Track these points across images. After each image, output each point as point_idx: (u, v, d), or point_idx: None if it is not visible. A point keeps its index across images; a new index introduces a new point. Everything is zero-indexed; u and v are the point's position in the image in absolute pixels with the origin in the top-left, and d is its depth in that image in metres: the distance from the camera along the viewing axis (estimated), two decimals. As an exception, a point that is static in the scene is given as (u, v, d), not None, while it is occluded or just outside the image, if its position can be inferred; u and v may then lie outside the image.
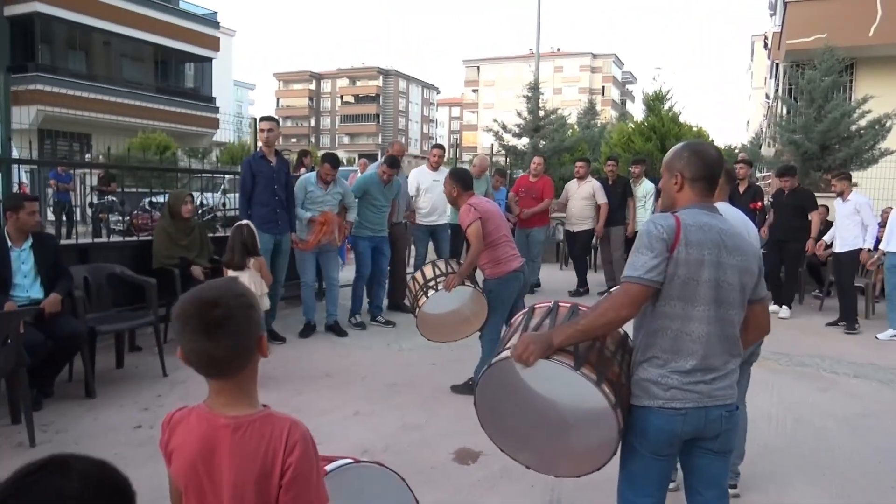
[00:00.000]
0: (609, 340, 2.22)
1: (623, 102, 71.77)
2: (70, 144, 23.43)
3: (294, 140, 78.87)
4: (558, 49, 77.86)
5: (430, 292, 4.65)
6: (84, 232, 11.30)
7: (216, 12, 29.83)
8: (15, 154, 5.71)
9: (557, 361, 2.04)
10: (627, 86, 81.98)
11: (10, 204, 4.40)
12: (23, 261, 4.45)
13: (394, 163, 6.78)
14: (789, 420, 4.54)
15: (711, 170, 2.18)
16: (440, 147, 7.92)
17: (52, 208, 14.23)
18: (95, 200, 12.71)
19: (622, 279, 2.10)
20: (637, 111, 21.20)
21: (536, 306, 2.42)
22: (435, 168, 7.70)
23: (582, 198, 8.92)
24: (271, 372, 5.28)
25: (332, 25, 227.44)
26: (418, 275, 4.88)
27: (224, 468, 1.40)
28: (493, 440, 2.34)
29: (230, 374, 1.43)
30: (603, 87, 75.08)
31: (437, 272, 4.78)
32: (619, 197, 8.98)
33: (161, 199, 8.42)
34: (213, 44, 28.99)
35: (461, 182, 4.79)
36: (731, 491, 2.81)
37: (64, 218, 13.87)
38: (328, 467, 1.67)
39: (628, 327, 2.22)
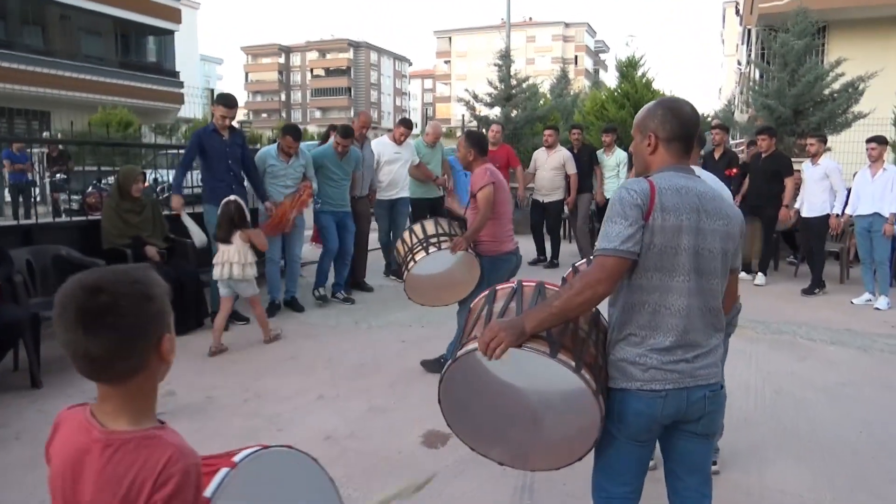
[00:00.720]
0: (582, 320, 2.02)
1: (596, 72, 71.40)
2: (28, 122, 22.60)
3: (265, 115, 77.46)
4: (530, 18, 77.18)
5: (431, 249, 4.31)
6: (45, 213, 10.87)
7: (176, -18, 28.77)
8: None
9: (531, 350, 1.84)
10: (601, 55, 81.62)
11: None
12: (-46, 244, 4.14)
13: (347, 132, 6.45)
14: (768, 391, 4.42)
15: (687, 128, 1.98)
16: (408, 125, 7.58)
17: (7, 189, 13.72)
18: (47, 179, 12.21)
19: (595, 252, 1.89)
20: (610, 80, 20.91)
21: (498, 288, 2.20)
22: (399, 143, 7.44)
23: (552, 168, 8.77)
24: (234, 355, 5.05)
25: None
26: (412, 231, 4.53)
27: (86, 489, 1.16)
28: (463, 439, 2.14)
29: (113, 380, 1.19)
30: (576, 57, 74.55)
31: (440, 230, 4.45)
32: (585, 165, 8.88)
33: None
34: (175, 15, 28.00)
35: (478, 146, 4.47)
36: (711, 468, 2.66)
37: (21, 199, 13.36)
38: (235, 458, 1.43)
39: (602, 306, 2.02)
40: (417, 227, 4.52)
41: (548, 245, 9.18)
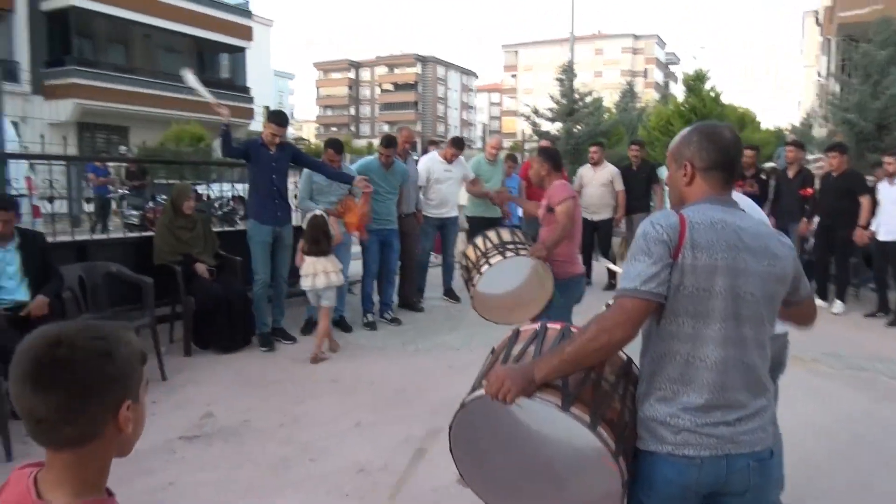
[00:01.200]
0: (608, 369, 1.79)
1: (666, 84, 69.88)
2: (108, 137, 23.65)
3: (335, 129, 79.07)
4: (599, 31, 76.24)
5: (508, 253, 3.96)
6: (117, 226, 11.25)
7: (247, 1, 29.68)
8: (13, 148, 5.52)
9: (541, 400, 1.64)
10: (671, 67, 79.81)
11: None
12: (8, 262, 4.20)
13: (389, 142, 6.29)
14: (844, 436, 4.01)
15: (728, 155, 1.76)
16: (458, 144, 7.36)
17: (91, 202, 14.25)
18: (126, 193, 12.63)
19: (616, 292, 1.68)
20: (680, 93, 20.35)
21: (522, 329, 2.00)
22: (449, 161, 7.24)
23: (600, 184, 8.39)
24: (276, 375, 4.98)
25: (371, 13, 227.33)
26: (486, 237, 4.17)
27: None
28: (478, 493, 1.94)
29: (60, 446, 1.06)
30: (645, 70, 73.26)
31: (517, 238, 4.16)
32: (643, 183, 8.50)
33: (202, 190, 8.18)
34: (246, 33, 28.88)
35: (552, 160, 4.33)
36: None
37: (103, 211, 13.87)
38: None
39: (634, 350, 1.80)
40: (492, 234, 4.22)
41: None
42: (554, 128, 14.08)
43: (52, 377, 1.01)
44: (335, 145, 6.01)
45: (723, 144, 1.75)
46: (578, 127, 13.47)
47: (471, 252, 4.21)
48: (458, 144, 7.36)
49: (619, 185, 8.36)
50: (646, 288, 1.61)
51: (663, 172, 8.51)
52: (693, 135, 1.79)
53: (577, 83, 14.20)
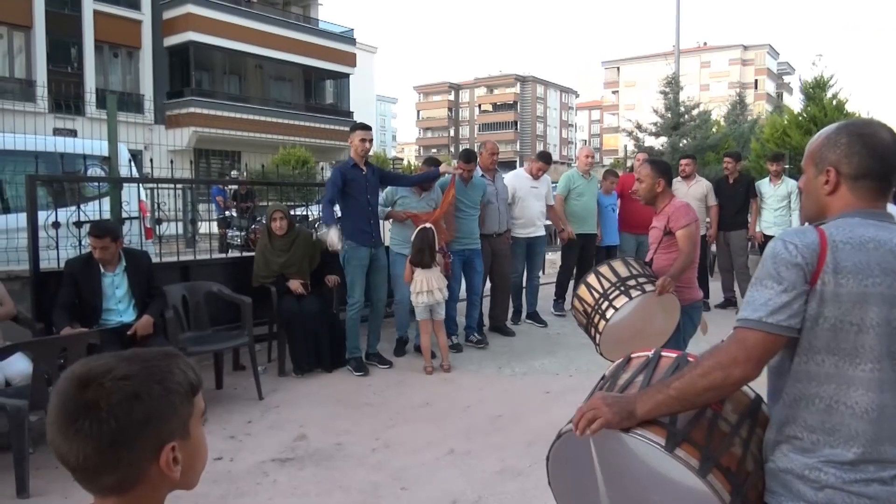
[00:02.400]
0: (729, 407, 1.54)
1: (779, 95, 66.37)
2: (221, 162, 24.98)
3: (434, 151, 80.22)
4: (704, 43, 73.63)
5: (634, 293, 3.56)
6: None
7: (352, 29, 30.75)
8: (126, 173, 5.80)
9: (642, 438, 1.43)
10: (784, 77, 75.83)
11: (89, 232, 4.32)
12: (116, 285, 4.37)
13: (469, 157, 6.01)
14: None
15: (884, 162, 1.46)
16: (546, 159, 7.10)
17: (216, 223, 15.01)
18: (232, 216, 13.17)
19: (736, 322, 1.43)
20: (795, 104, 19.09)
21: (633, 356, 1.78)
22: (536, 177, 6.96)
23: (695, 198, 7.85)
24: (369, 397, 4.91)
25: (470, 36, 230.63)
26: (599, 275, 3.74)
27: None
28: None
29: (103, 492, 0.97)
30: (756, 81, 69.94)
31: (633, 271, 3.73)
32: (740, 198, 8.00)
33: (302, 212, 8.33)
34: (350, 60, 29.89)
35: (666, 175, 3.88)
36: None
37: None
38: None
39: (760, 386, 1.54)
40: (605, 269, 3.77)
41: None
42: (658, 143, 13.53)
43: (78, 427, 0.92)
44: (432, 162, 5.96)
45: (879, 148, 1.45)
46: (685, 141, 12.88)
47: (586, 294, 3.75)
48: (546, 158, 7.09)
49: (713, 200, 7.98)
50: (773, 320, 1.36)
51: (764, 186, 7.98)
52: (841, 135, 1.50)
53: (682, 96, 13.61)
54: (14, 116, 7.21)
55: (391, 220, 5.89)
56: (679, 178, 8.18)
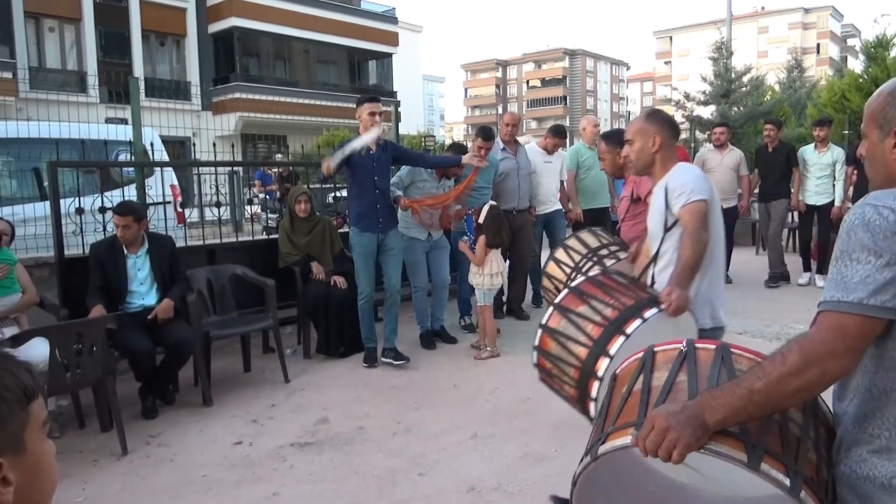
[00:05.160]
0: (793, 408, 1.32)
1: (844, 59, 63.25)
2: (268, 146, 25.22)
3: (482, 129, 79.59)
4: (762, 8, 70.58)
5: (608, 262, 3.16)
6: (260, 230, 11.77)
7: (394, 8, 30.47)
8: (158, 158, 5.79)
9: (718, 455, 1.20)
10: (848, 40, 72.16)
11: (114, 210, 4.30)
12: (139, 267, 4.36)
13: (489, 134, 5.68)
14: None
15: None
16: (560, 132, 6.67)
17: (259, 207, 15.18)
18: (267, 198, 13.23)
19: (822, 305, 1.21)
20: (860, 68, 17.98)
21: (658, 349, 1.51)
22: (550, 152, 6.63)
23: (729, 168, 7.70)
24: (396, 380, 4.81)
25: (518, 11, 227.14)
26: (567, 248, 3.42)
27: None
28: None
29: None
30: (818, 45, 66.66)
31: (603, 241, 3.34)
32: (781, 166, 7.63)
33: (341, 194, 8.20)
34: (393, 39, 29.67)
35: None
36: None
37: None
38: None
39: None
40: (574, 242, 3.50)
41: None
42: (707, 111, 12.95)
43: None
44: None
45: None
46: (735, 109, 12.27)
47: (555, 270, 3.46)
48: (560, 132, 6.70)
49: (745, 170, 7.79)
50: (876, 301, 1.14)
51: (808, 153, 7.58)
52: None
53: (738, 64, 12.96)
54: (68, 107, 7.34)
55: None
56: (712, 146, 7.90)
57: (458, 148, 5.79)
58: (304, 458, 3.62)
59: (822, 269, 7.68)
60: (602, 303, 2.33)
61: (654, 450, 1.22)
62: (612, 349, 2.21)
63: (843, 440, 1.27)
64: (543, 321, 2.47)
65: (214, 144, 6.37)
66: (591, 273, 2.56)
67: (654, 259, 2.66)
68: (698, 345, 1.45)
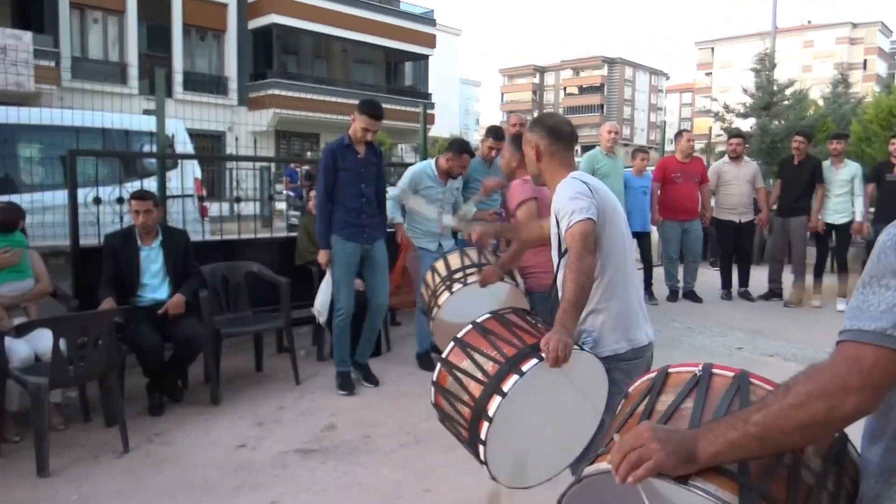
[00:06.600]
0: (810, 450, 1.15)
1: (892, 76, 61.57)
2: (301, 144, 25.35)
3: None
4: (809, 21, 69.13)
5: (455, 286, 3.14)
6: (281, 227, 11.73)
7: (432, 10, 30.46)
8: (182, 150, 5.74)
9: (704, 494, 1.06)
10: (897, 57, 70.32)
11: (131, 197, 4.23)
12: (152, 260, 4.28)
13: (500, 134, 5.34)
14: None
15: None
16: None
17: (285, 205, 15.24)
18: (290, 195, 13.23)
19: (841, 335, 1.06)
20: (908, 83, 17.36)
21: (672, 371, 1.36)
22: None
23: (746, 181, 7.56)
24: (409, 387, 4.66)
25: (557, 17, 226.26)
26: (440, 265, 3.41)
27: None
28: None
29: None
30: (865, 61, 65.01)
31: (465, 261, 3.35)
32: (805, 181, 7.35)
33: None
34: (430, 41, 29.62)
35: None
36: None
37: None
38: None
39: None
40: (440, 265, 3.39)
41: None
42: (746, 124, 12.60)
43: None
44: (459, 147, 5.07)
45: None
46: (776, 123, 11.91)
47: (423, 291, 3.45)
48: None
49: (760, 182, 7.67)
50: None
51: (825, 170, 7.34)
52: None
53: (781, 77, 12.60)
54: (103, 98, 7.38)
55: (406, 207, 5.22)
56: (727, 158, 7.69)
57: (460, 145, 5.16)
58: (307, 465, 3.50)
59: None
60: (484, 355, 2.09)
61: (619, 463, 1.10)
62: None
63: (865, 495, 1.11)
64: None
65: (237, 139, 6.34)
66: (479, 319, 2.25)
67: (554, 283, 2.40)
68: (716, 370, 1.30)
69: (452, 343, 2.21)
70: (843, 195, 7.25)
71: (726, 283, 7.88)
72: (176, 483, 3.27)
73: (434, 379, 2.22)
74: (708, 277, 8.47)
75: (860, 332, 1.01)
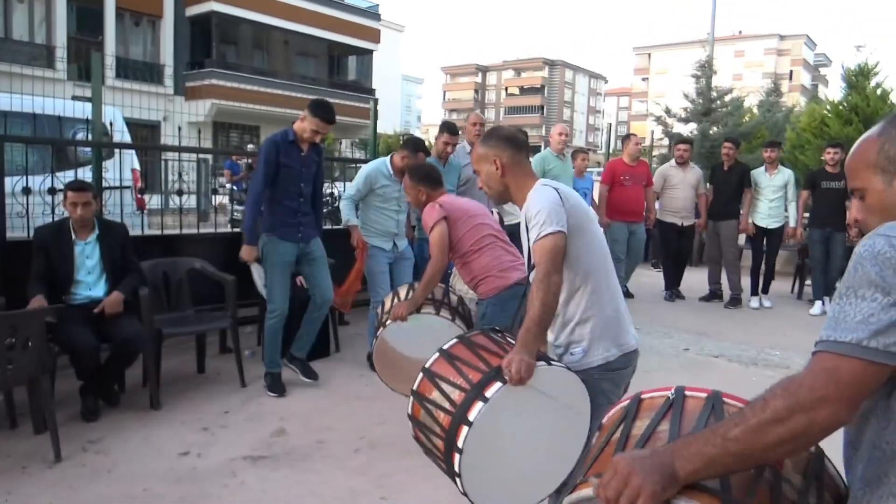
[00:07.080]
0: (790, 465, 1.13)
1: (815, 87, 64.60)
2: (241, 136, 24.68)
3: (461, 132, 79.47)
4: (739, 32, 71.82)
5: (388, 323, 3.29)
6: (224, 222, 11.37)
7: (377, 4, 30.15)
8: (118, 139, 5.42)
9: None
10: (820, 69, 73.80)
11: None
12: (87, 255, 4.00)
13: (454, 129, 5.24)
14: None
15: None
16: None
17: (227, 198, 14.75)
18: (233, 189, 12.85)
19: (817, 346, 1.03)
20: (831, 97, 18.10)
21: (645, 396, 1.35)
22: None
23: (690, 185, 7.84)
24: (362, 389, 4.52)
25: (500, 18, 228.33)
26: (383, 304, 3.59)
27: None
28: None
29: None
30: (791, 72, 68.04)
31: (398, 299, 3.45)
32: (733, 186, 7.68)
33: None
34: (375, 36, 29.32)
35: (427, 180, 3.69)
36: None
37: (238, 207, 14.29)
38: None
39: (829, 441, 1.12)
40: (388, 299, 3.56)
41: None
42: (687, 129, 12.93)
43: None
44: (414, 145, 4.90)
45: None
46: (715, 128, 12.26)
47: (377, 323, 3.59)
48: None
49: (703, 188, 7.93)
50: (878, 344, 0.97)
51: (759, 176, 7.69)
52: None
53: (714, 82, 12.98)
54: (33, 82, 6.90)
55: (360, 207, 5.01)
56: (674, 163, 7.91)
57: (415, 143, 5.01)
58: (257, 473, 3.32)
59: (767, 290, 7.91)
60: (450, 384, 2.03)
61: (616, 498, 1.06)
62: (459, 442, 1.88)
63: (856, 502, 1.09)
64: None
65: (180, 129, 6.04)
66: (446, 345, 2.19)
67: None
68: (688, 392, 1.30)
69: (421, 374, 2.15)
70: (777, 200, 7.57)
71: (669, 285, 8.07)
72: (114, 495, 3.05)
73: (409, 412, 2.17)
74: (650, 279, 8.64)
75: (836, 343, 1.00)
